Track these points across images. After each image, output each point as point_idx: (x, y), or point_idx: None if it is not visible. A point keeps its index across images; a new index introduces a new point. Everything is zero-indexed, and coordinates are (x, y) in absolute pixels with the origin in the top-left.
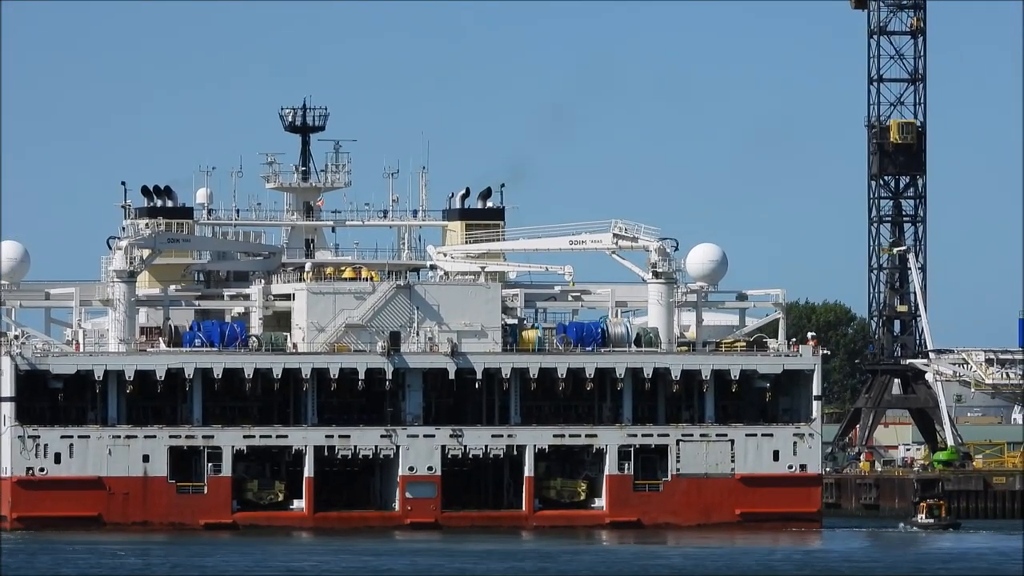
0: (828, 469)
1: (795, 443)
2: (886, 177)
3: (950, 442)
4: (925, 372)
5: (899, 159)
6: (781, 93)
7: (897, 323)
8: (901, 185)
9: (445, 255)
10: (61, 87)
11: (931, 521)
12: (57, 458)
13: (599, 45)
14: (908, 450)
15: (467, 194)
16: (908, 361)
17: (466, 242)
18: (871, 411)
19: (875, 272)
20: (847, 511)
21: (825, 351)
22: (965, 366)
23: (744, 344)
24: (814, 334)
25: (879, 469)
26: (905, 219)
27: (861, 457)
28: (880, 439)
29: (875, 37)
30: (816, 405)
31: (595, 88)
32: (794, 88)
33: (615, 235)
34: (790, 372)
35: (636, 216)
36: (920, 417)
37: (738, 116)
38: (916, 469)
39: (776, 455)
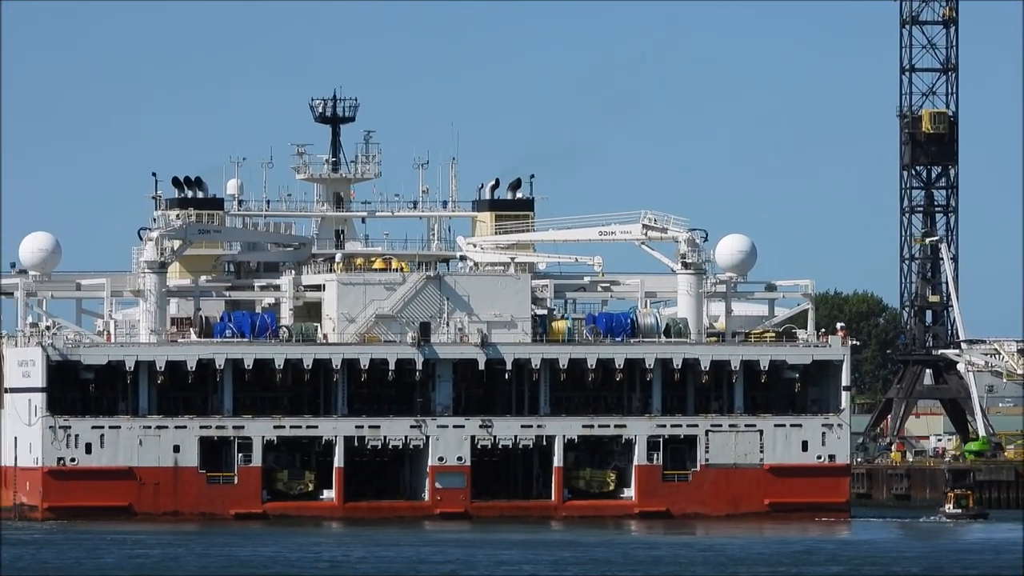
0: (859, 459)
1: (824, 433)
2: (918, 167)
3: (981, 432)
4: (957, 362)
5: (931, 149)
6: (813, 83)
7: (929, 313)
8: (933, 175)
9: (475, 246)
10: (93, 79)
11: (959, 511)
12: (88, 448)
13: (630, 36)
14: (939, 440)
15: (497, 185)
16: (940, 351)
17: (496, 233)
18: (902, 401)
19: (907, 262)
20: (878, 501)
21: (854, 342)
22: (997, 356)
23: (773, 335)
24: (843, 325)
25: (910, 459)
26: (937, 209)
27: (892, 447)
28: (911, 429)
29: (907, 27)
30: (845, 395)
31: (625, 79)
32: (826, 78)
33: (645, 226)
34: (819, 362)
35: (665, 207)
36: (952, 407)
37: (770, 106)
38: (947, 460)
39: (805, 445)
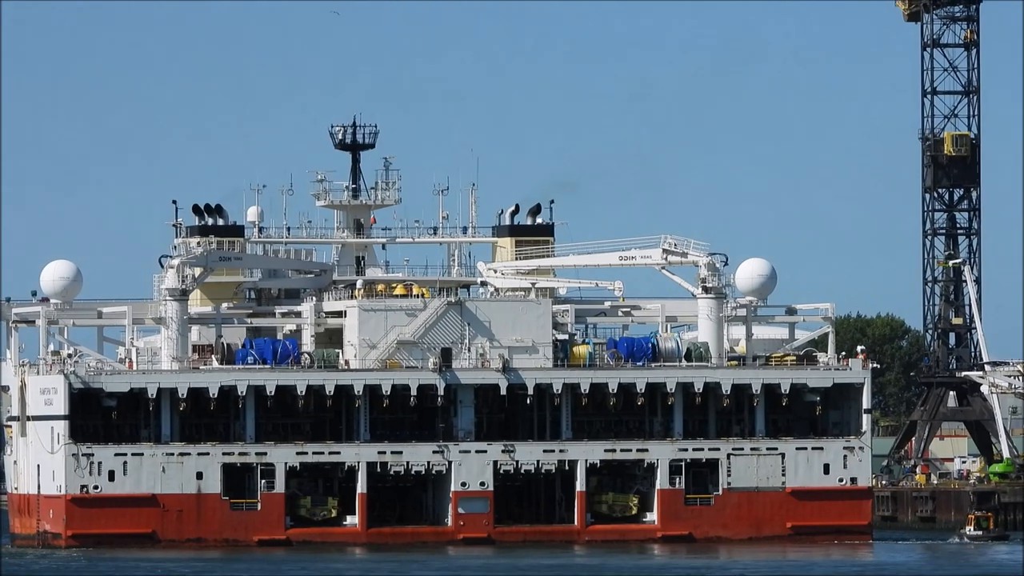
0: (884, 482)
1: (845, 456)
2: (940, 190)
3: (1006, 454)
4: (980, 384)
5: (953, 171)
6: (835, 107)
7: (952, 335)
8: (955, 198)
9: (495, 271)
10: (113, 107)
11: (979, 533)
12: (111, 476)
13: (647, 58)
14: (964, 462)
15: (516, 210)
16: (963, 373)
17: (516, 258)
18: (927, 424)
19: (930, 285)
20: (903, 524)
21: (875, 365)
22: (1021, 378)
23: (794, 358)
24: (863, 347)
25: (935, 482)
26: (959, 231)
27: (917, 470)
28: (936, 452)
29: (928, 50)
30: (866, 418)
31: (643, 104)
32: (848, 101)
33: (665, 250)
34: (840, 385)
35: (686, 232)
36: (976, 429)
37: (791, 130)
38: (972, 481)
39: (827, 468)
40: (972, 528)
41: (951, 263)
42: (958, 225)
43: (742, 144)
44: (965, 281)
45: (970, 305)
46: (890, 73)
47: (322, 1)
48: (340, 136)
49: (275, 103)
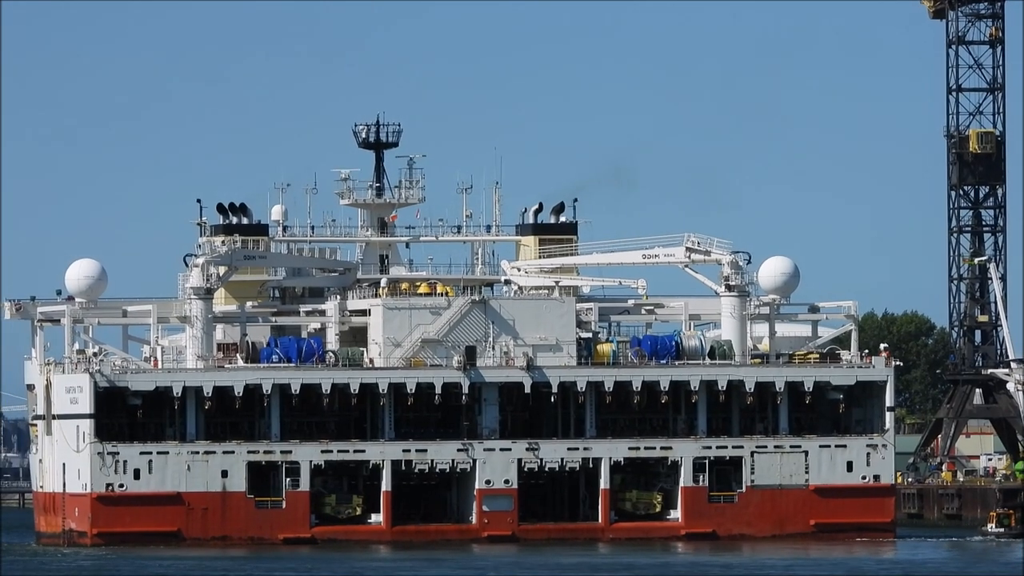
0: (910, 479)
1: (868, 454)
2: (965, 187)
3: None
4: (1007, 381)
5: (978, 169)
6: (860, 104)
7: (978, 333)
8: (981, 195)
9: (519, 270)
10: (138, 107)
11: (1001, 530)
12: (136, 474)
13: (670, 57)
14: (990, 460)
15: (540, 209)
16: (989, 371)
17: (539, 257)
18: (952, 421)
19: (955, 282)
20: (929, 521)
21: (898, 362)
22: None
23: (817, 356)
24: (886, 345)
25: (961, 479)
26: (985, 229)
27: (943, 467)
28: (962, 449)
29: (954, 47)
30: (889, 416)
31: (666, 102)
32: (873, 98)
33: (688, 249)
34: (863, 383)
35: (709, 230)
36: (1002, 427)
37: (816, 128)
38: (998, 479)
39: (850, 466)
40: (994, 525)
41: (976, 260)
42: (983, 222)
43: (768, 142)
44: (991, 278)
45: (996, 302)
46: (915, 70)
47: (347, 1)
48: (364, 135)
49: (299, 102)
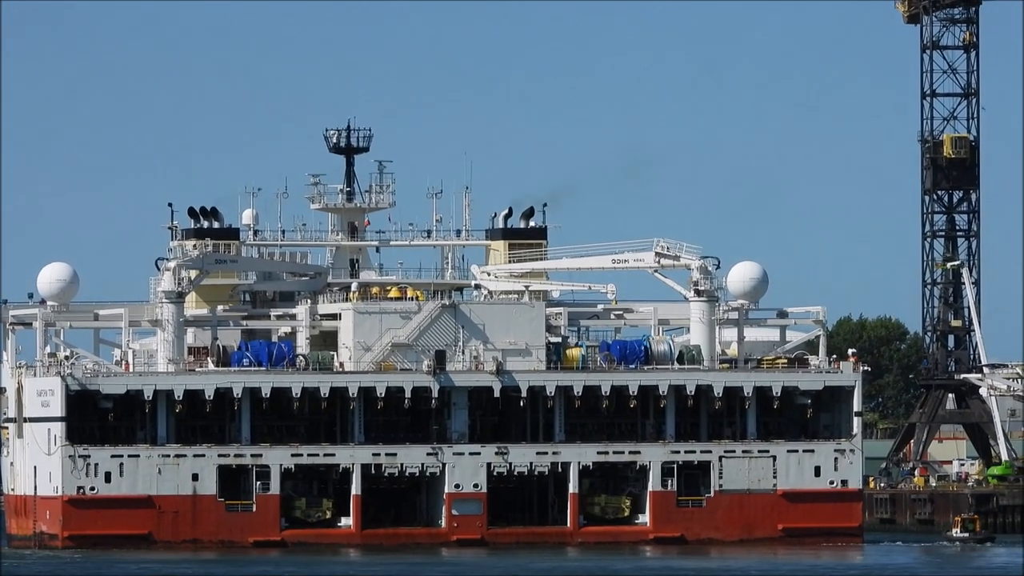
0: (883, 484)
1: (836, 459)
2: (939, 192)
3: (1004, 457)
4: (979, 387)
5: (952, 174)
6: (833, 109)
7: (951, 338)
8: (955, 200)
9: (489, 274)
10: (108, 109)
11: (965, 535)
12: (107, 477)
13: (637, 61)
14: (963, 465)
15: (510, 214)
16: (962, 376)
17: (509, 261)
18: (925, 426)
19: (928, 287)
20: (902, 526)
21: (866, 367)
22: (1019, 380)
23: (785, 361)
24: (855, 351)
25: (933, 484)
26: (959, 234)
27: (915, 472)
28: (934, 454)
29: (928, 52)
30: (857, 421)
31: (635, 106)
32: (846, 103)
33: (657, 254)
34: (831, 388)
35: (678, 235)
36: (974, 432)
37: (788, 132)
38: (971, 484)
39: (817, 471)
40: (958, 530)
41: (950, 265)
42: (957, 227)
43: (739, 146)
44: (964, 283)
45: (969, 307)
46: (889, 75)
47: (319, 5)
48: (334, 140)
49: (270, 107)
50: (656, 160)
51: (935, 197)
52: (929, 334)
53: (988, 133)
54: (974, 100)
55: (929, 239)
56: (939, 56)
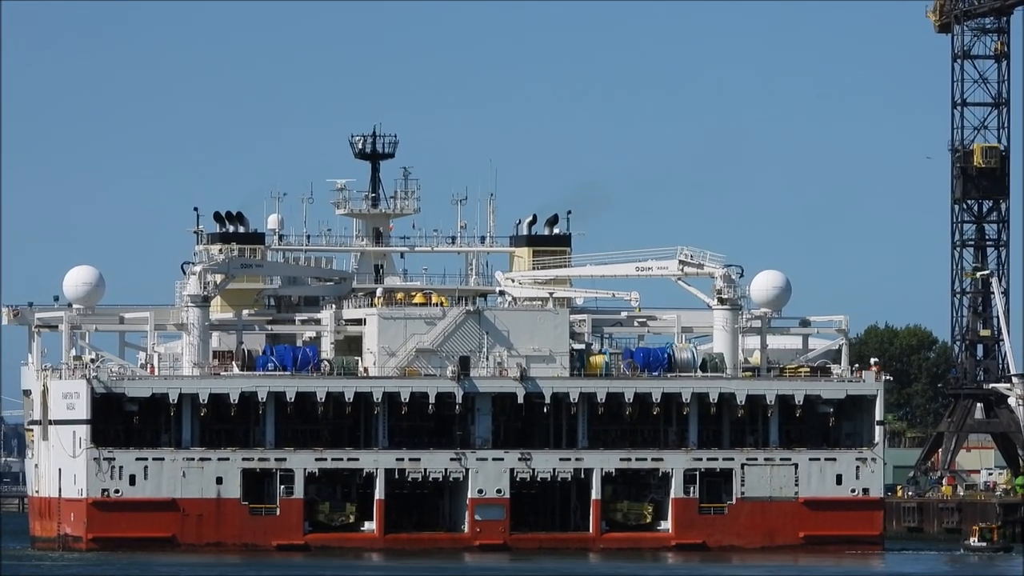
0: (911, 493)
1: (858, 467)
2: (969, 201)
3: None
4: (1008, 396)
5: (982, 183)
6: (864, 118)
7: (980, 347)
8: (984, 209)
9: (513, 281)
10: (136, 115)
11: (983, 545)
12: (132, 480)
13: (667, 70)
14: (990, 474)
15: (534, 220)
16: (991, 385)
17: (533, 268)
18: (953, 435)
19: (958, 296)
20: (929, 535)
21: (887, 377)
22: None
23: (808, 370)
24: (877, 360)
25: (961, 493)
26: (988, 243)
27: (943, 481)
28: (962, 463)
29: (959, 61)
30: (879, 430)
31: (662, 115)
32: (877, 112)
33: (681, 262)
34: (853, 397)
35: (703, 243)
36: (1002, 441)
37: (819, 141)
38: (998, 493)
39: (839, 479)
40: (976, 539)
41: (979, 274)
42: (987, 236)
43: (770, 155)
44: (993, 293)
45: (998, 317)
46: (920, 84)
47: (345, 11)
48: (360, 145)
49: (296, 111)
50: (684, 167)
51: (965, 206)
52: (958, 343)
53: (1018, 142)
54: (1005, 109)
55: (959, 248)
56: (970, 65)
